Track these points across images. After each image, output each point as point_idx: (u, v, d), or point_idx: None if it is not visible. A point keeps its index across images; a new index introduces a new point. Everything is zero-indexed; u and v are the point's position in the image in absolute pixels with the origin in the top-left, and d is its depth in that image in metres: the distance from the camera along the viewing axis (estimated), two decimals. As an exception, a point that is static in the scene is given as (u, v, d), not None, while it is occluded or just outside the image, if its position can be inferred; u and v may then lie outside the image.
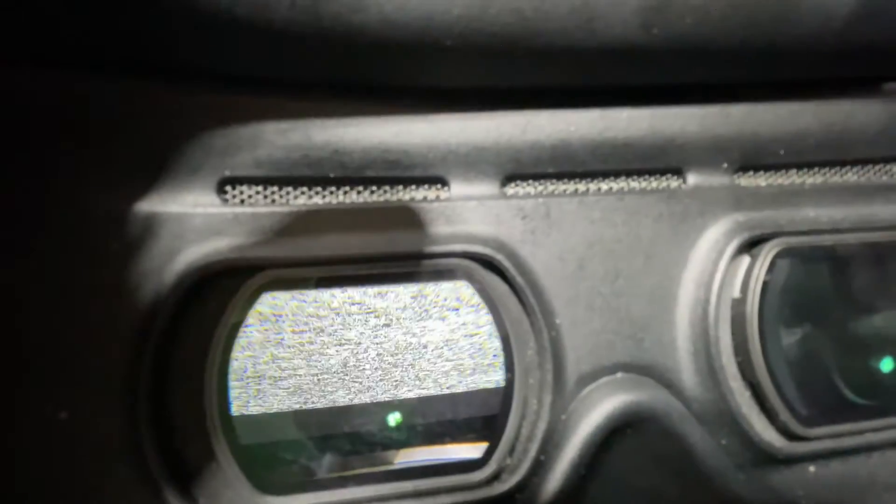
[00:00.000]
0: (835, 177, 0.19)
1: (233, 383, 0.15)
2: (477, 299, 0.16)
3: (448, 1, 0.14)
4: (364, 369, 0.15)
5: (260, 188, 0.16)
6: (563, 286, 0.16)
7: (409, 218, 0.16)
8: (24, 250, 0.14)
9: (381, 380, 0.15)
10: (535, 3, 0.14)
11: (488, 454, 0.16)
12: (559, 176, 0.17)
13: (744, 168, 0.18)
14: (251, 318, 0.15)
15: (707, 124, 0.17)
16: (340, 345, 0.16)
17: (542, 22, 0.14)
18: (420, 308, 0.16)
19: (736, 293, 0.17)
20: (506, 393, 0.16)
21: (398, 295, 0.16)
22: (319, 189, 0.16)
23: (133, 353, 0.14)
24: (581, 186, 0.17)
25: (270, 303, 0.15)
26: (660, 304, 0.17)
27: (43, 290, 0.14)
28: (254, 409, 0.15)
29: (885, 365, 0.18)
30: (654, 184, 0.17)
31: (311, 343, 0.15)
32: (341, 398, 0.15)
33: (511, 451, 0.16)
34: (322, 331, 0.15)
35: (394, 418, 0.15)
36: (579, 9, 0.14)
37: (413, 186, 0.16)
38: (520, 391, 0.16)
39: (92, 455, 0.14)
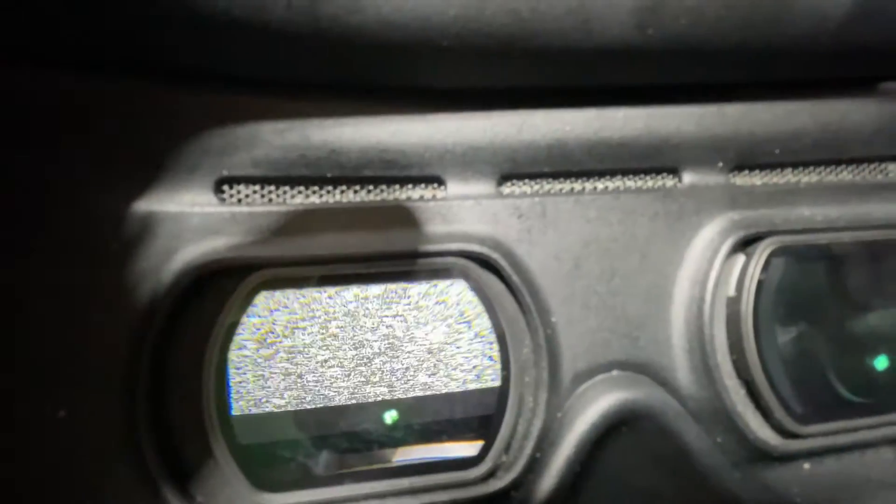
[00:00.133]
0: (830, 176, 0.19)
1: (230, 382, 0.15)
2: (473, 298, 0.16)
3: (444, 2, 0.14)
4: (361, 368, 0.15)
5: (257, 188, 0.16)
6: (559, 285, 0.16)
7: (406, 217, 0.16)
8: (24, 250, 0.14)
9: (377, 378, 0.15)
10: (531, 4, 0.14)
11: (484, 452, 0.16)
12: (555, 175, 0.17)
13: (739, 167, 0.18)
14: (248, 317, 0.15)
15: (703, 124, 0.17)
16: (337, 344, 0.16)
17: (539, 23, 0.14)
18: (417, 307, 0.16)
19: (731, 291, 0.17)
20: (502, 391, 0.16)
21: (395, 294, 0.16)
22: (317, 188, 0.16)
23: (131, 353, 0.14)
24: (577, 185, 0.17)
25: (267, 302, 0.15)
26: (655, 303, 0.17)
27: (41, 290, 0.14)
28: (251, 407, 0.15)
29: (880, 363, 0.18)
30: (650, 183, 0.18)
31: (309, 342, 0.15)
32: (338, 396, 0.15)
33: (507, 448, 0.16)
34: (319, 330, 0.15)
35: (390, 416, 0.15)
36: (575, 10, 0.14)
37: (410, 186, 0.16)
38: (515, 389, 0.16)
39: (90, 454, 0.14)
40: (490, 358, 0.16)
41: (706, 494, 0.17)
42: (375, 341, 0.16)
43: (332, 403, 0.15)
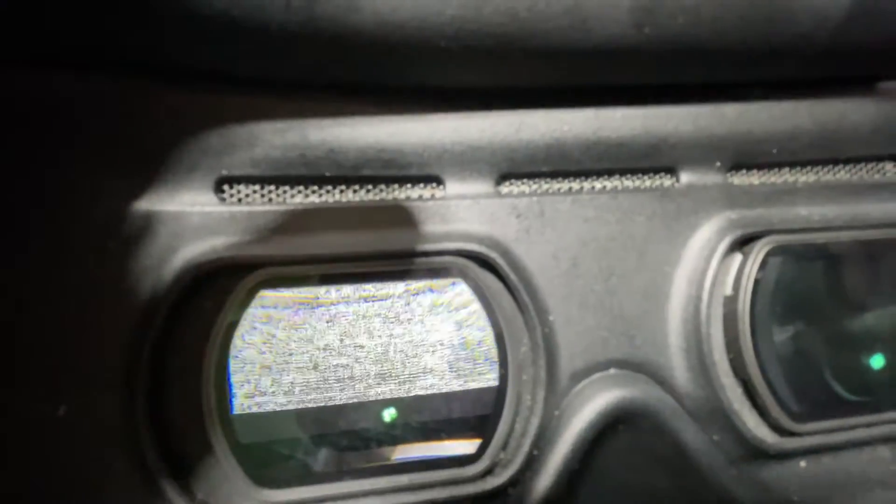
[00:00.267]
0: (827, 175, 0.19)
1: (231, 380, 0.15)
2: (471, 297, 0.16)
3: (442, 2, 0.14)
4: (360, 366, 0.15)
5: (257, 187, 0.16)
6: (557, 284, 0.16)
7: (405, 216, 0.16)
8: (23, 249, 0.14)
9: (376, 376, 0.15)
10: (528, 4, 0.14)
11: (482, 449, 0.16)
12: (553, 175, 0.17)
13: (737, 167, 0.18)
14: (248, 315, 0.15)
15: (700, 123, 0.17)
16: (337, 342, 0.16)
17: (536, 22, 0.14)
18: (416, 306, 0.16)
19: (728, 290, 0.17)
20: (499, 389, 0.16)
21: (394, 292, 0.16)
22: (316, 188, 0.16)
23: (131, 351, 0.14)
24: (575, 185, 0.17)
25: (267, 300, 0.15)
26: (652, 302, 0.17)
27: (41, 289, 0.14)
28: (251, 405, 0.15)
29: (876, 361, 0.18)
30: (648, 182, 0.18)
31: (308, 340, 0.15)
32: (338, 394, 0.16)
33: (504, 446, 0.16)
34: (318, 328, 0.16)
35: (389, 414, 0.15)
36: (573, 9, 0.14)
37: (408, 185, 0.16)
38: (513, 387, 0.16)
39: (90, 451, 0.14)
40: (488, 356, 0.16)
41: (703, 492, 0.17)
42: (375, 340, 0.16)
43: (332, 402, 0.15)
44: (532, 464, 0.16)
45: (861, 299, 0.18)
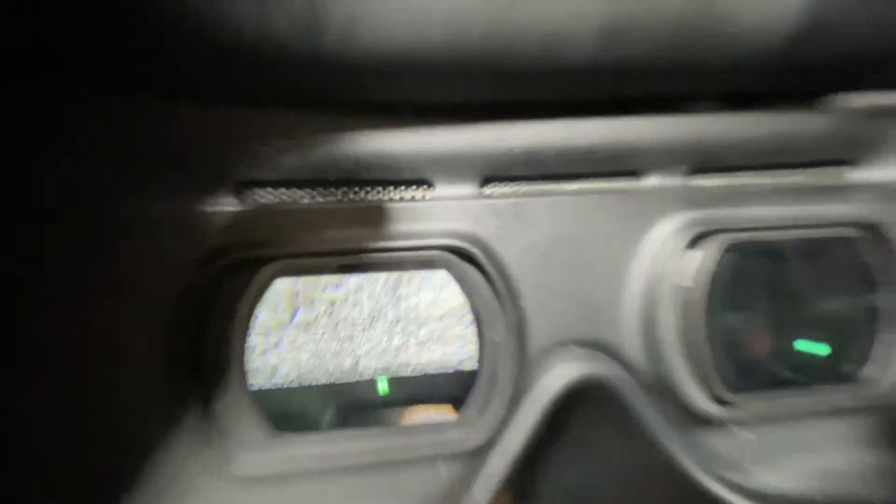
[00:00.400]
0: (780, 179, 0.20)
1: (252, 348, 0.18)
2: (455, 285, 0.18)
3: (431, 30, 0.16)
4: (359, 343, 0.18)
5: (271, 190, 0.18)
6: (529, 275, 0.18)
7: (399, 215, 0.18)
8: (77, 251, 0.16)
9: (371, 352, 0.18)
10: (506, 33, 0.16)
11: (462, 415, 0.18)
12: (530, 178, 0.19)
13: (697, 170, 0.20)
14: (265, 300, 0.17)
15: (662, 132, 0.19)
16: (340, 323, 0.18)
17: (514, 48, 0.16)
18: (409, 291, 0.19)
19: (684, 282, 0.19)
20: (478, 364, 0.18)
21: (392, 280, 0.19)
22: (322, 190, 0.18)
23: (170, 330, 0.17)
24: (548, 187, 0.19)
25: (281, 287, 0.18)
26: (613, 290, 0.19)
27: (93, 285, 0.17)
28: (268, 370, 0.18)
29: (807, 346, 0.20)
30: (613, 185, 0.19)
31: (316, 321, 0.18)
32: (341, 368, 0.18)
33: (481, 412, 0.18)
34: (324, 311, 0.18)
35: (382, 386, 0.18)
36: (546, 38, 0.16)
37: (402, 187, 0.19)
38: (489, 363, 0.18)
39: (143, 410, 0.17)
40: (468, 336, 0.19)
41: (653, 455, 0.19)
42: (371, 321, 0.18)
43: (336, 372, 0.18)
44: (504, 428, 0.18)
45: (800, 291, 0.20)
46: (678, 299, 0.19)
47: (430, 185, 0.19)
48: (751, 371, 0.20)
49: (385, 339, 0.18)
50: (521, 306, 0.18)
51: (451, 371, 0.19)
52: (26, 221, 0.16)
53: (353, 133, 0.18)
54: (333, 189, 0.18)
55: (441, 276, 0.18)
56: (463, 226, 0.18)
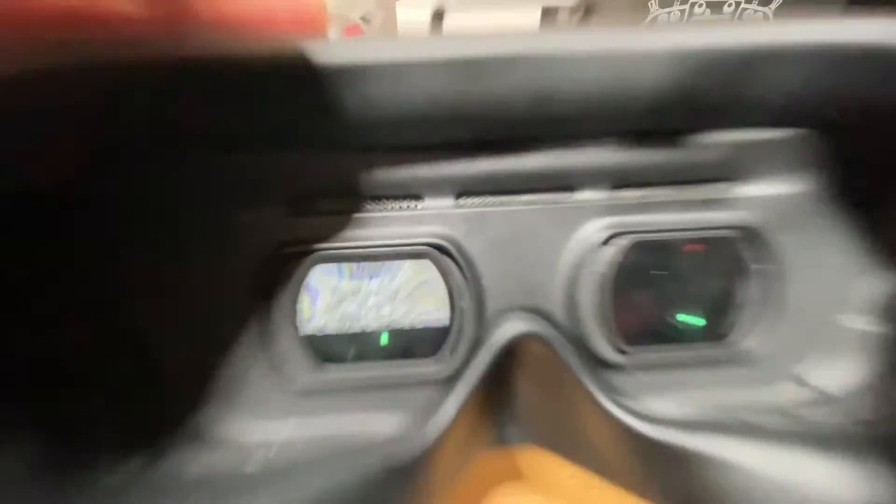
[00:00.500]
0: (677, 193, 0.25)
1: (303, 318, 0.24)
2: (435, 272, 0.24)
3: (415, 102, 0.19)
4: (368, 308, 0.25)
5: (313, 203, 0.23)
6: (488, 263, 0.24)
7: (398, 221, 0.24)
8: (177, 252, 0.22)
9: (377, 313, 0.25)
10: (467, 100, 0.19)
11: (438, 354, 0.24)
12: (492, 193, 0.24)
13: (615, 187, 0.24)
14: (307, 283, 0.24)
15: (591, 160, 0.23)
16: (359, 295, 0.25)
17: (473, 111, 0.20)
18: (405, 277, 0.25)
19: (599, 269, 0.24)
20: (450, 323, 0.24)
21: (394, 269, 0.24)
22: (346, 203, 0.23)
23: (250, 296, 0.23)
24: (505, 199, 0.24)
25: (318, 272, 0.24)
26: (549, 274, 0.24)
27: (197, 264, 0.22)
28: (312, 329, 0.25)
29: (688, 319, 0.25)
30: (554, 198, 0.24)
31: (344, 296, 0.25)
32: (357, 323, 0.25)
33: (452, 352, 0.23)
34: (350, 287, 0.25)
35: (384, 338, 0.25)
36: (494, 104, 0.20)
37: (401, 200, 0.24)
38: (457, 322, 0.24)
39: (235, 346, 0.23)
40: (444, 305, 0.25)
41: (575, 391, 0.22)
42: (379, 295, 0.25)
43: (354, 328, 0.25)
44: (467, 364, 0.23)
45: (688, 277, 0.25)
46: (594, 281, 0.24)
47: (420, 198, 0.24)
48: (645, 332, 0.25)
49: (386, 305, 0.25)
50: (482, 284, 0.24)
51: (433, 327, 0.25)
52: (164, 221, 0.22)
53: (370, 166, 0.23)
54: (355, 202, 0.23)
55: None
56: (442, 229, 0.24)
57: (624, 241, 0.24)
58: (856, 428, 0.20)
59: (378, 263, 0.25)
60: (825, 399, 0.23)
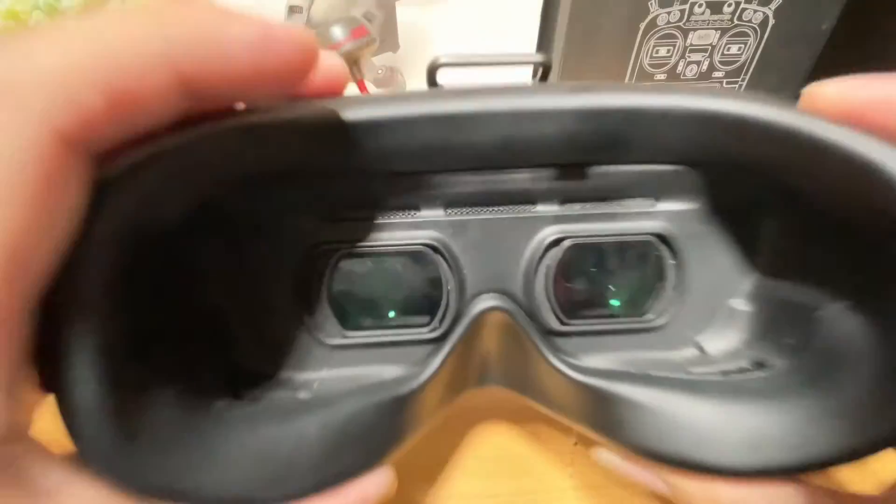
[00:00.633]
0: (611, 207, 0.30)
1: (334, 293, 0.30)
2: (430, 264, 0.29)
3: (417, 144, 0.23)
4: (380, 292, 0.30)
5: (339, 213, 0.28)
6: (468, 258, 0.28)
7: (401, 226, 0.28)
8: (244, 250, 0.27)
9: (391, 296, 0.30)
10: (451, 145, 0.24)
11: (430, 322, 0.29)
12: (472, 206, 0.28)
13: (563, 202, 0.28)
14: (335, 272, 0.29)
15: (543, 182, 0.27)
16: (371, 281, 0.30)
17: (455, 153, 0.24)
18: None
19: (549, 262, 0.29)
20: (441, 299, 0.29)
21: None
22: (366, 213, 0.28)
23: (294, 280, 0.28)
24: (481, 211, 0.28)
25: (343, 263, 0.29)
26: (513, 266, 0.29)
27: (253, 267, 0.27)
28: (339, 300, 0.30)
29: (614, 300, 0.32)
30: (518, 210, 0.28)
31: (362, 280, 0.30)
32: (371, 302, 0.30)
33: (440, 321, 0.29)
34: (368, 272, 0.30)
35: (392, 312, 0.30)
36: (471, 147, 0.24)
37: (403, 211, 0.28)
38: (444, 299, 0.28)
39: (281, 316, 0.28)
40: (437, 286, 0.29)
41: (532, 352, 0.28)
42: (391, 282, 0.30)
43: (367, 305, 0.30)
44: (451, 329, 0.28)
45: (614, 268, 0.31)
46: (545, 272, 0.29)
47: (418, 210, 0.28)
48: (581, 308, 0.30)
49: (392, 289, 0.31)
50: (463, 273, 0.28)
51: (428, 301, 0.30)
52: (243, 227, 0.27)
53: (380, 186, 0.27)
54: (370, 213, 0.28)
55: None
56: (434, 233, 0.28)
57: (568, 243, 0.28)
58: (719, 377, 0.28)
59: (389, 258, 0.31)
60: (706, 359, 0.29)
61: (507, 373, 0.30)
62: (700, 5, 0.59)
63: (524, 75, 0.59)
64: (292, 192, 0.26)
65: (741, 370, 0.26)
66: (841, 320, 0.21)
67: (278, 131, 0.20)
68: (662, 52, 0.61)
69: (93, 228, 0.15)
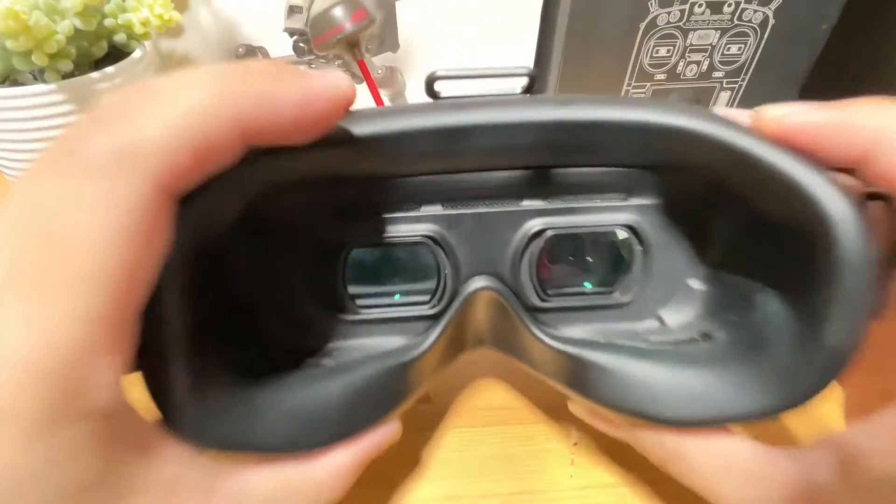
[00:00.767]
0: (588, 201, 0.32)
1: (346, 281, 0.33)
2: (429, 252, 0.31)
3: (418, 152, 0.26)
4: (389, 273, 0.34)
5: (352, 211, 0.30)
6: (463, 247, 0.31)
7: (404, 220, 0.31)
8: (269, 243, 0.30)
9: (395, 274, 0.34)
10: (455, 152, 0.26)
11: (430, 301, 0.32)
12: (466, 201, 0.30)
13: (546, 198, 0.31)
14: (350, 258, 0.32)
15: (530, 181, 0.30)
16: (380, 263, 0.35)
17: (457, 155, 0.27)
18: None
19: (533, 250, 0.31)
20: (437, 282, 0.32)
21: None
22: (373, 210, 0.31)
23: (312, 276, 0.31)
24: (475, 205, 0.31)
25: (356, 252, 0.32)
26: (502, 253, 0.31)
27: (277, 258, 0.30)
28: (354, 288, 0.34)
29: (589, 280, 0.34)
30: (507, 205, 0.31)
31: (372, 266, 0.33)
32: (380, 285, 0.34)
33: (438, 300, 0.32)
34: (377, 259, 0.34)
35: (398, 296, 0.34)
36: (465, 152, 0.26)
37: (406, 207, 0.30)
38: (442, 281, 0.31)
39: (305, 298, 0.31)
40: (435, 271, 0.32)
41: (517, 327, 0.30)
42: (397, 267, 0.34)
43: (380, 291, 0.35)
44: (448, 306, 0.31)
45: (589, 253, 0.32)
46: (529, 257, 0.32)
47: (419, 206, 0.31)
48: (561, 287, 0.34)
49: (396, 278, 0.35)
50: (459, 259, 0.31)
51: (428, 283, 0.33)
52: (270, 226, 0.29)
53: (386, 187, 0.30)
54: (378, 209, 0.31)
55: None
56: (433, 226, 0.31)
57: (549, 233, 0.31)
58: (671, 346, 0.30)
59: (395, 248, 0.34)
60: (665, 330, 0.32)
61: (496, 340, 0.33)
62: (700, 5, 0.59)
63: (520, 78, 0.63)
64: (312, 194, 0.29)
65: (691, 340, 0.29)
66: (769, 303, 0.25)
67: (306, 157, 0.23)
68: (662, 52, 0.61)
69: (175, 248, 0.18)
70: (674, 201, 0.31)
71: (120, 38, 0.44)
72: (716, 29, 0.60)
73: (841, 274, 0.19)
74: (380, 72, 0.62)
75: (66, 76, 0.41)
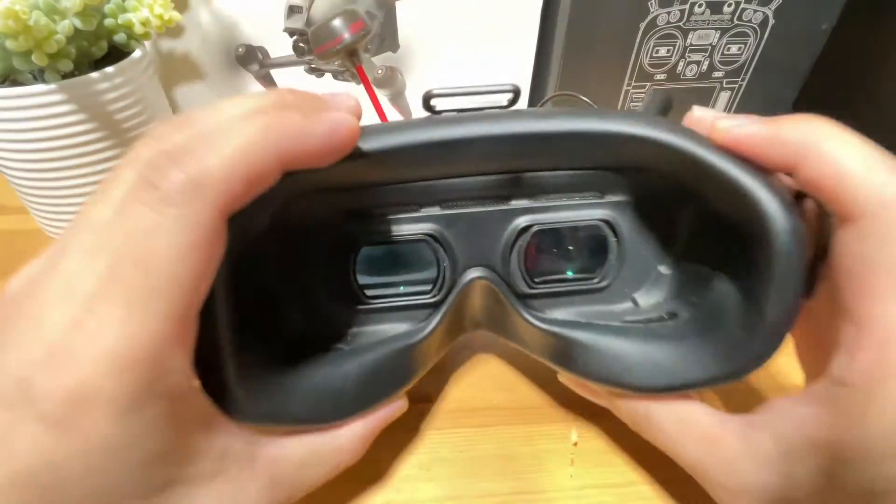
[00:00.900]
0: (570, 199, 0.35)
1: (359, 267, 0.36)
2: (429, 248, 0.34)
3: (417, 161, 0.29)
4: (393, 266, 0.37)
5: (361, 212, 0.33)
6: (459, 242, 0.33)
7: (407, 220, 0.33)
8: (289, 242, 0.33)
9: (401, 270, 0.37)
10: (451, 160, 0.29)
11: (431, 290, 0.35)
12: (462, 202, 0.33)
13: (531, 197, 0.34)
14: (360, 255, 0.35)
15: (517, 183, 0.33)
16: (387, 257, 0.37)
17: (452, 163, 0.30)
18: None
19: (521, 244, 0.35)
20: (437, 275, 0.35)
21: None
22: (379, 211, 0.34)
23: (326, 271, 0.34)
24: (469, 205, 0.33)
25: (365, 250, 0.35)
26: (494, 247, 0.34)
27: (295, 254, 0.33)
28: (360, 273, 0.37)
29: (571, 267, 0.37)
30: (495, 206, 0.33)
31: (380, 261, 0.36)
32: (387, 277, 0.37)
33: (438, 290, 0.35)
34: (384, 255, 0.37)
35: (402, 287, 0.36)
36: (460, 160, 0.29)
37: (408, 208, 0.33)
38: (441, 273, 0.34)
39: (325, 290, 0.35)
40: (435, 264, 0.35)
41: (510, 313, 0.33)
42: (401, 262, 0.37)
43: (386, 282, 0.38)
44: (447, 295, 0.34)
45: (571, 245, 0.37)
46: (518, 250, 0.35)
47: (420, 207, 0.33)
48: (546, 275, 0.37)
49: (399, 269, 0.38)
50: (455, 254, 0.33)
51: (429, 275, 0.36)
52: (290, 226, 0.32)
53: (391, 191, 0.33)
54: (384, 211, 0.34)
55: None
56: (433, 225, 0.33)
57: (535, 228, 0.34)
58: (642, 325, 0.33)
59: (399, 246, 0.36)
60: (638, 310, 0.36)
61: (490, 323, 0.36)
62: (700, 5, 0.59)
63: (520, 79, 0.63)
64: (327, 201, 0.32)
65: (659, 318, 0.33)
66: (723, 286, 0.28)
67: (324, 172, 0.25)
68: (662, 52, 0.62)
69: (223, 258, 0.21)
70: (644, 199, 0.34)
71: (120, 38, 0.45)
72: (716, 29, 0.60)
73: (776, 261, 0.23)
74: (380, 72, 0.63)
75: (66, 76, 0.41)
